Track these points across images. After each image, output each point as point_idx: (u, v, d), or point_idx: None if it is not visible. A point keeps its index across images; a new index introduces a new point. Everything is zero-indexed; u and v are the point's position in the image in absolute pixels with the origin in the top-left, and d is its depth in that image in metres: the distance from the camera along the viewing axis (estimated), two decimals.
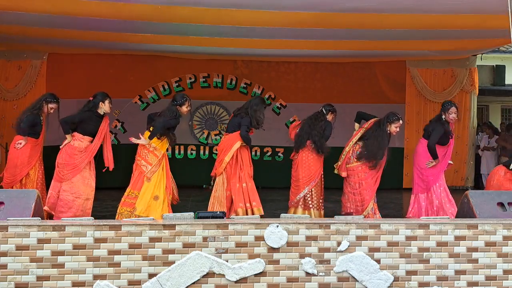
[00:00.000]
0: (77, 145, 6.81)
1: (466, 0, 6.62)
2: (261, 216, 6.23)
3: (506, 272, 4.88)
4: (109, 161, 6.98)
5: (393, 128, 6.90)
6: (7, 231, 4.46)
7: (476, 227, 4.93)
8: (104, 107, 6.95)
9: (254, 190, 7.06)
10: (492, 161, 11.41)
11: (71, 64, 11.05)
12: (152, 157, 6.72)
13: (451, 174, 11.63)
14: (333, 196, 8.17)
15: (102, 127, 6.92)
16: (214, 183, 7.19)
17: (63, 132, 6.85)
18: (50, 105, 7.23)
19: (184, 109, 6.88)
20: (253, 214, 6.82)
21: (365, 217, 6.68)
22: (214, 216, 5.11)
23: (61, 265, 4.49)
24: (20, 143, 7.13)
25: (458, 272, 4.86)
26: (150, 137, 6.76)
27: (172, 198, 6.99)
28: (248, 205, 6.95)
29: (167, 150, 6.93)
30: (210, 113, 11.85)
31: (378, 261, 4.79)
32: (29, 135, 7.15)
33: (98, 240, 4.55)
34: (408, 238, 4.85)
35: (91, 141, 6.89)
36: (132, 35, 8.95)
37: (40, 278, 4.46)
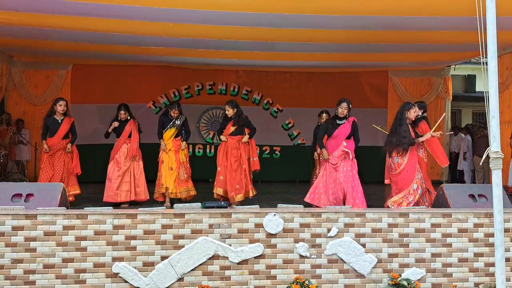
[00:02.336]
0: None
1: (442, 18, 6.62)
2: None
3: (476, 255, 4.88)
4: (132, 151, 7.82)
5: (412, 113, 6.56)
6: (36, 219, 4.47)
7: (450, 216, 4.93)
8: (120, 116, 7.89)
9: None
10: (469, 159, 11.37)
11: (93, 73, 11.04)
12: None
13: (428, 169, 11.62)
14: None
15: (126, 129, 7.81)
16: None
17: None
18: (58, 103, 7.55)
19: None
20: None
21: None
22: (219, 206, 5.12)
23: (84, 249, 4.50)
24: (45, 149, 7.59)
25: (434, 255, 4.86)
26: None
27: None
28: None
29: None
30: (215, 116, 11.86)
31: (363, 245, 4.79)
32: (49, 136, 7.56)
33: (116, 227, 4.55)
34: (390, 225, 4.85)
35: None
36: (146, 48, 8.95)
37: (65, 260, 4.46)
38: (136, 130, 7.87)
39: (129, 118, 7.90)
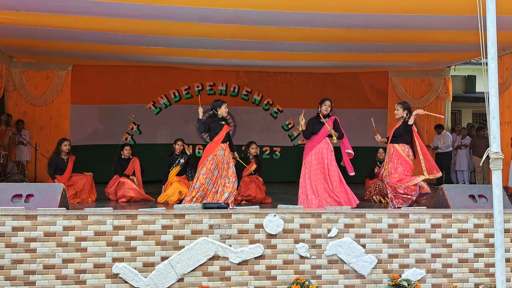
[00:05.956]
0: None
1: (442, 17, 6.63)
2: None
3: (476, 255, 4.89)
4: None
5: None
6: (36, 220, 4.48)
7: (450, 216, 4.94)
8: (124, 153, 8.43)
9: None
10: (465, 158, 11.37)
11: (93, 74, 11.02)
12: None
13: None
14: None
15: (130, 166, 8.42)
16: None
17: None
18: (63, 143, 8.13)
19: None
20: None
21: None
22: (219, 206, 5.12)
23: (84, 249, 4.51)
24: None
25: (434, 256, 4.87)
26: None
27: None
28: None
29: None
30: None
31: (363, 246, 4.80)
32: (56, 173, 8.02)
33: (116, 228, 4.56)
34: (390, 225, 4.86)
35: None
36: (147, 48, 8.94)
37: (65, 261, 4.48)
38: (139, 169, 8.44)
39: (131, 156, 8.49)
